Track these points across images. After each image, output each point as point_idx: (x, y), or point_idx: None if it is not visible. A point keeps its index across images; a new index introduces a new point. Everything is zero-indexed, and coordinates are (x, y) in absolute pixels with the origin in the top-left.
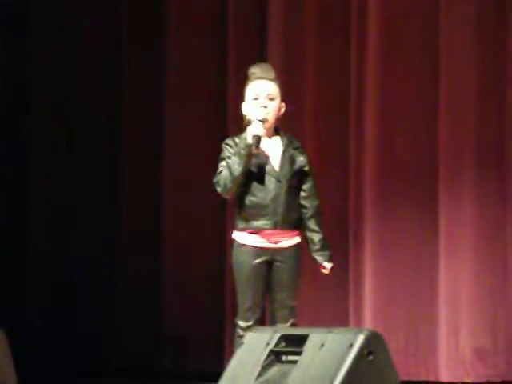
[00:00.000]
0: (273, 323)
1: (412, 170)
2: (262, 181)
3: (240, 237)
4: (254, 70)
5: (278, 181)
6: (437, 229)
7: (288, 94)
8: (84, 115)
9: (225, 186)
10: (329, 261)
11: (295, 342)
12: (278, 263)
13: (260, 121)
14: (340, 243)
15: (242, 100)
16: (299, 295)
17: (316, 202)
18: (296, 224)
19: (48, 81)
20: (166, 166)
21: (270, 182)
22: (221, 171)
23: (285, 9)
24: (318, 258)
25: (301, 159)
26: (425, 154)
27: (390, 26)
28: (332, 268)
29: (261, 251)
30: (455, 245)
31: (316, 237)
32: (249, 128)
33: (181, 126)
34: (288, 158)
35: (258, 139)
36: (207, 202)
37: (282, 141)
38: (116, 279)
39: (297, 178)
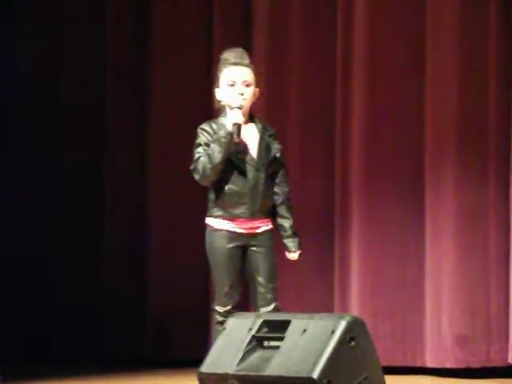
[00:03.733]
0: (256, 308)
1: (397, 158)
2: (241, 169)
3: (214, 222)
4: (229, 56)
5: (257, 170)
6: (422, 217)
7: (273, 82)
8: (68, 115)
9: (204, 173)
10: (298, 247)
11: (277, 328)
12: (253, 248)
13: (238, 108)
14: (326, 231)
15: (216, 85)
16: (285, 282)
17: (287, 189)
18: (270, 211)
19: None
20: (151, 156)
21: (249, 170)
22: (198, 158)
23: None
24: (289, 245)
25: (275, 147)
26: (410, 141)
27: (377, 14)
28: (300, 254)
29: (235, 236)
30: (439, 233)
31: (287, 223)
32: (228, 116)
33: (166, 118)
34: (265, 147)
35: (238, 127)
36: (191, 193)
37: (257, 128)
38: (100, 267)
39: (272, 165)
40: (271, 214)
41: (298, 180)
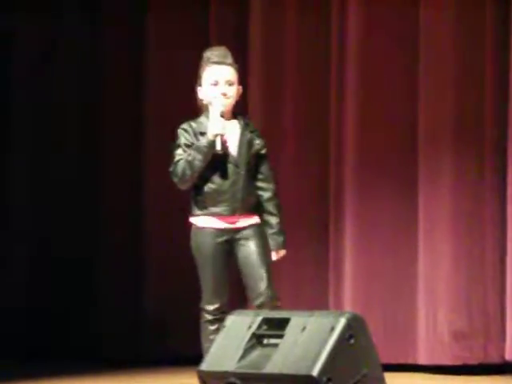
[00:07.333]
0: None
1: (392, 151)
2: (219, 167)
3: (198, 221)
4: (211, 54)
5: (236, 166)
6: (416, 210)
7: (268, 82)
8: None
9: (183, 178)
10: (282, 247)
11: (277, 326)
12: (240, 241)
13: (221, 116)
14: (320, 225)
15: (198, 83)
16: (279, 277)
17: (273, 185)
18: (254, 208)
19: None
20: (147, 150)
21: (228, 168)
22: (178, 160)
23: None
24: (272, 243)
25: (257, 142)
26: (404, 135)
27: (369, 14)
28: (282, 255)
29: (220, 232)
30: (434, 227)
31: (273, 220)
32: (209, 125)
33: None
34: (246, 143)
35: (221, 138)
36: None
37: (240, 124)
38: (96, 265)
39: (254, 161)
40: (257, 210)
41: (293, 178)
